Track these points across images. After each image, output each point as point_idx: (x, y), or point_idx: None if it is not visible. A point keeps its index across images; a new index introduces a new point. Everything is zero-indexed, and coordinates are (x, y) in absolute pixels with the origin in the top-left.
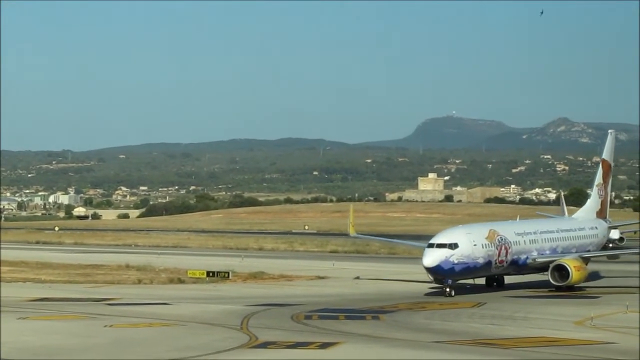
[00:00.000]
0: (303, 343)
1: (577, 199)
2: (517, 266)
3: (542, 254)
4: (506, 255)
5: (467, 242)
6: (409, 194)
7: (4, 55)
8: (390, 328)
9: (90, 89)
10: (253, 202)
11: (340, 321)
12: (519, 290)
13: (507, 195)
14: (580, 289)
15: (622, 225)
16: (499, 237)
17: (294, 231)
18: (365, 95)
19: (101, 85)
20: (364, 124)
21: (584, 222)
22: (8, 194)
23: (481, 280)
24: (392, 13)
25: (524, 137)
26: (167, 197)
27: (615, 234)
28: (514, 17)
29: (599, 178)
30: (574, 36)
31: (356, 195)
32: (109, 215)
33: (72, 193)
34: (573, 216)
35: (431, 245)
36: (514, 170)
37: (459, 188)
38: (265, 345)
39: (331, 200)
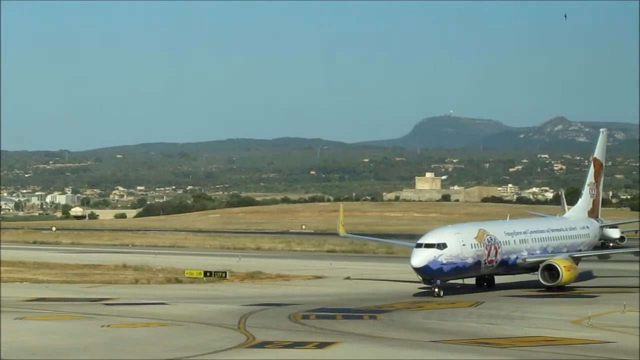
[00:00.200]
0: (300, 343)
1: (574, 198)
2: (507, 266)
3: (532, 254)
4: (496, 255)
5: (456, 242)
6: (406, 194)
7: (2, 55)
8: (388, 327)
9: (87, 89)
10: (250, 202)
11: (338, 321)
12: (515, 289)
13: (505, 194)
14: (571, 289)
15: (614, 224)
16: (488, 236)
17: (291, 231)
18: (363, 95)
19: (98, 85)
20: (361, 124)
21: (575, 222)
22: (5, 194)
23: (472, 280)
24: (389, 13)
25: (521, 136)
26: (164, 197)
27: (615, 233)
28: (511, 16)
29: (590, 177)
30: (571, 35)
31: (353, 194)
32: (106, 215)
33: (69, 193)
34: (564, 215)
35: (419, 245)
36: (511, 170)
37: (456, 187)
38: (262, 345)
39: (328, 200)
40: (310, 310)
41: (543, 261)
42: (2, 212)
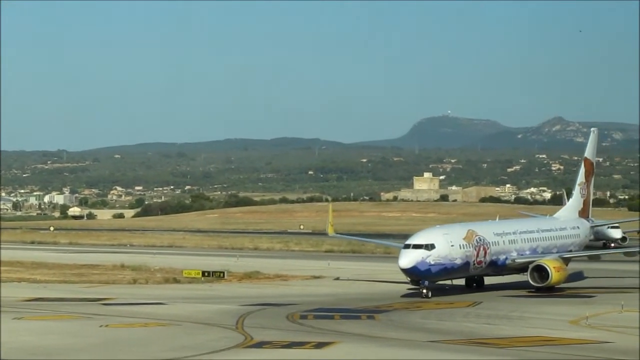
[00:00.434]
0: (298, 343)
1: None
2: (496, 267)
3: (521, 255)
4: (485, 256)
5: (444, 243)
6: (404, 194)
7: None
8: (386, 327)
9: (85, 89)
10: (248, 202)
11: (336, 321)
12: (509, 290)
13: (503, 194)
14: (561, 289)
15: (605, 224)
16: (477, 237)
17: (289, 231)
18: (361, 95)
19: (96, 85)
20: (359, 124)
21: (565, 222)
22: (3, 194)
23: (461, 281)
24: (388, 13)
25: (519, 136)
26: (163, 197)
27: (617, 234)
28: (509, 16)
29: (581, 177)
30: (569, 36)
31: (351, 194)
32: (104, 215)
33: (67, 193)
34: (554, 216)
35: (407, 246)
36: (509, 170)
37: (454, 187)
38: (260, 345)
39: (326, 200)
40: (308, 310)
41: (532, 262)
42: (0, 212)
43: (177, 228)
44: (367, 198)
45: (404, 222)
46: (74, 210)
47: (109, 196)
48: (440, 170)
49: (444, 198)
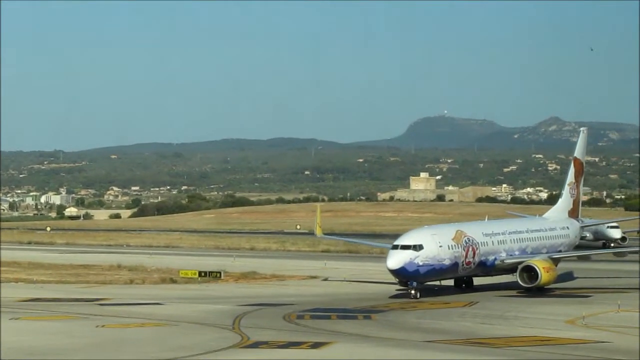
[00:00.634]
0: (295, 343)
1: None
2: (485, 267)
3: (510, 255)
4: (474, 257)
5: (432, 244)
6: (400, 194)
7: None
8: (382, 327)
9: (81, 89)
10: (245, 202)
11: (332, 321)
12: (500, 291)
13: (499, 194)
14: (550, 290)
15: (595, 224)
16: (466, 237)
17: (285, 231)
18: (357, 95)
19: (92, 86)
20: (355, 124)
21: (555, 222)
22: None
23: (450, 282)
24: (384, 12)
25: (516, 136)
26: (159, 197)
27: (617, 234)
28: (506, 16)
29: (570, 177)
30: (566, 35)
31: (348, 194)
32: (100, 215)
33: (63, 193)
34: (544, 216)
35: (395, 247)
36: (505, 170)
37: (450, 187)
38: (257, 345)
39: (323, 200)
40: (304, 310)
41: (522, 262)
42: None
43: (174, 228)
44: (363, 198)
45: (400, 222)
46: (71, 211)
47: (106, 196)
48: (437, 170)
49: (440, 198)
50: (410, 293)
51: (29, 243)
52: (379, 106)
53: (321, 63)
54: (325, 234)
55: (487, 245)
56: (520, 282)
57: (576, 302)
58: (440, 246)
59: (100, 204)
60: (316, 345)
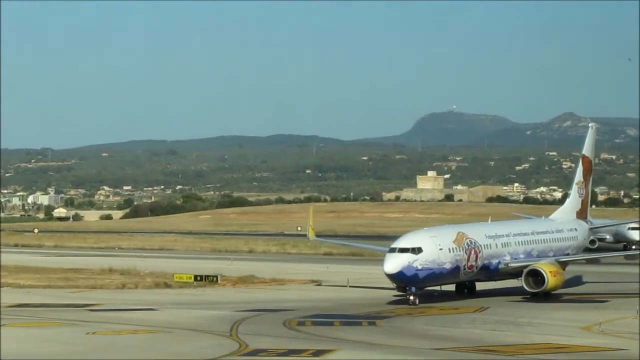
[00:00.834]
0: (296, 350)
1: None
2: (488, 271)
3: (515, 258)
4: (476, 260)
5: (432, 246)
6: (407, 193)
7: None
8: (387, 334)
9: (70, 84)
10: (243, 202)
11: (335, 327)
12: (504, 297)
13: (511, 194)
14: (558, 295)
15: (605, 226)
16: (468, 240)
17: (286, 233)
18: (361, 89)
19: (82, 81)
20: (359, 120)
21: (562, 224)
22: None
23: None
24: (389, 6)
25: (528, 132)
26: (152, 197)
27: (637, 236)
28: (518, 7)
29: (578, 176)
30: (581, 28)
31: (351, 194)
32: (91, 216)
33: (52, 193)
34: (550, 217)
35: (393, 250)
36: (517, 168)
37: (459, 187)
38: (255, 352)
39: (325, 200)
40: (306, 316)
41: (527, 266)
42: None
43: (168, 230)
44: (367, 198)
45: (406, 223)
46: (60, 212)
47: (96, 196)
48: (445, 168)
49: (448, 198)
50: (409, 299)
51: (16, 245)
52: (384, 101)
53: (323, 55)
54: (318, 235)
55: (491, 248)
56: (526, 287)
57: (592, 308)
58: (441, 249)
59: (91, 205)
60: (318, 353)
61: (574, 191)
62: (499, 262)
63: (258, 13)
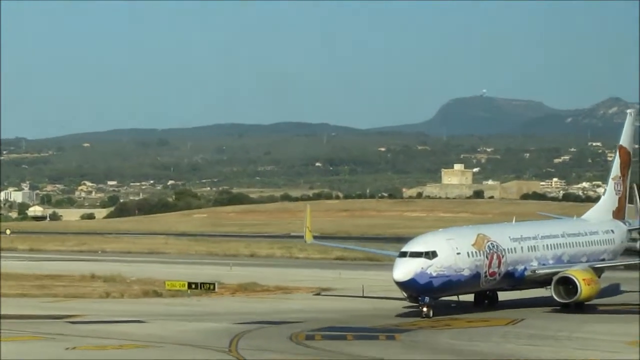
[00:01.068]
0: None
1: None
2: (513, 279)
3: (543, 264)
4: (498, 266)
5: (448, 250)
6: (430, 190)
7: None
8: (408, 350)
9: (47, 67)
10: (243, 200)
11: (348, 342)
12: (530, 308)
13: (549, 190)
14: (592, 306)
15: None
16: (489, 243)
17: (292, 234)
18: (378, 72)
19: (61, 64)
20: (376, 106)
21: (596, 225)
22: None
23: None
24: None
25: (569, 120)
26: (141, 194)
27: None
28: None
29: (615, 169)
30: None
31: (367, 190)
32: (70, 215)
33: (26, 189)
34: (583, 217)
35: (403, 254)
36: (556, 161)
37: (490, 182)
38: None
39: (337, 197)
40: (315, 329)
41: (557, 273)
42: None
43: (158, 231)
44: (386, 195)
45: (430, 223)
46: (35, 210)
47: (77, 193)
48: (474, 161)
49: (478, 195)
50: (422, 311)
51: None
52: (404, 85)
53: (335, 33)
54: (315, 237)
55: (515, 252)
56: (556, 297)
57: (635, 320)
58: (458, 253)
59: (71, 202)
60: None
61: (610, 187)
62: (525, 269)
63: None
